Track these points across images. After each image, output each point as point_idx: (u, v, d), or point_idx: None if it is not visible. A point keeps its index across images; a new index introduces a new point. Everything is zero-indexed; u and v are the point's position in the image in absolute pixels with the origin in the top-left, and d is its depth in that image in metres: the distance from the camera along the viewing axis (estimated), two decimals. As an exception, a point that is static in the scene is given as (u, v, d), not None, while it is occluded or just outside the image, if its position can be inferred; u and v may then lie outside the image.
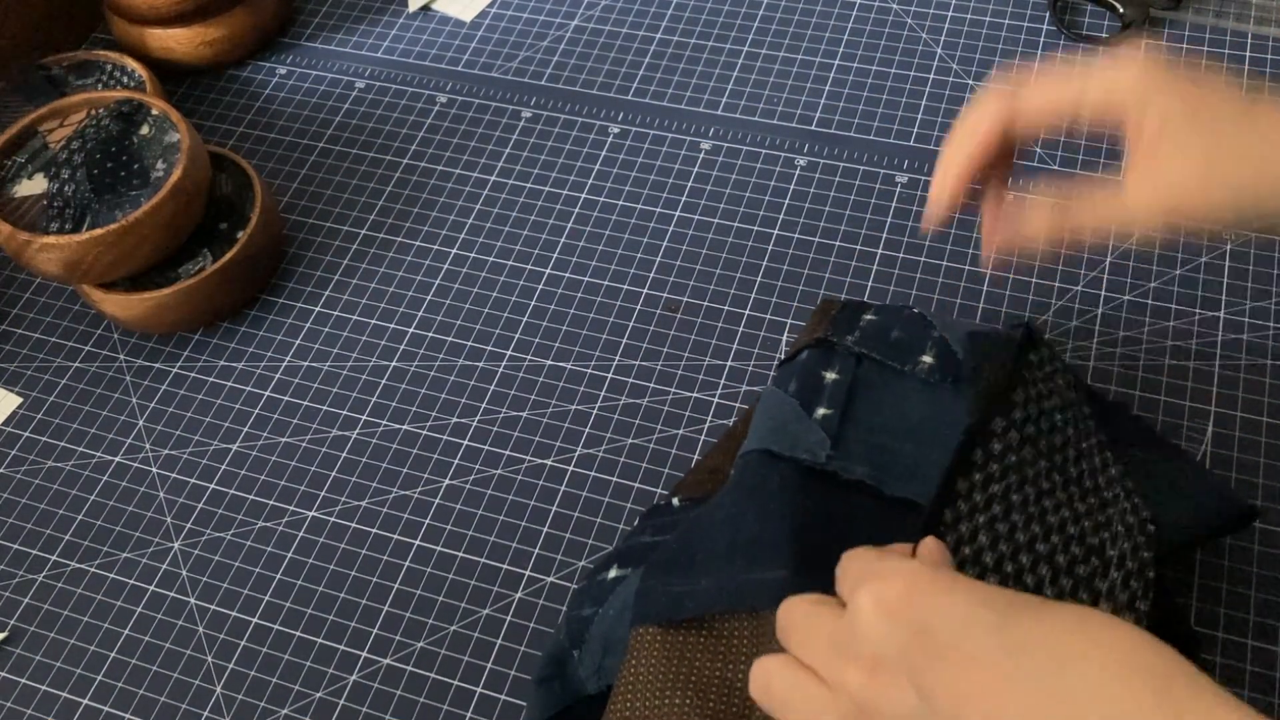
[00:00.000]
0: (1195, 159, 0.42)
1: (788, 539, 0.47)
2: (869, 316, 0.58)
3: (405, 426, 0.67)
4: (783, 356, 0.66)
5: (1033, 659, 0.32)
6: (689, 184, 0.76)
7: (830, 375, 0.55)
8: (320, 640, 0.60)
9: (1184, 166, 0.42)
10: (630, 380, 0.68)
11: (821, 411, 0.53)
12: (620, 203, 0.76)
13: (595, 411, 0.67)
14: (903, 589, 0.35)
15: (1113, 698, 0.31)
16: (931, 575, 0.36)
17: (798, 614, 0.39)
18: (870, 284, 0.70)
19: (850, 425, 0.52)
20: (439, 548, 0.63)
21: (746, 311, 0.70)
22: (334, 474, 0.66)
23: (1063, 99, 0.44)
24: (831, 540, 0.48)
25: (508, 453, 0.66)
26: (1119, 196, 0.43)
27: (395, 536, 0.63)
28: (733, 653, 0.47)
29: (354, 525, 0.64)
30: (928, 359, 0.54)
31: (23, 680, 0.61)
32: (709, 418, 0.66)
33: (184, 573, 0.63)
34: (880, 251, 0.71)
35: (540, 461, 0.65)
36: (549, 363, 0.69)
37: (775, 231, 0.73)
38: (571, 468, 0.64)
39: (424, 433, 0.67)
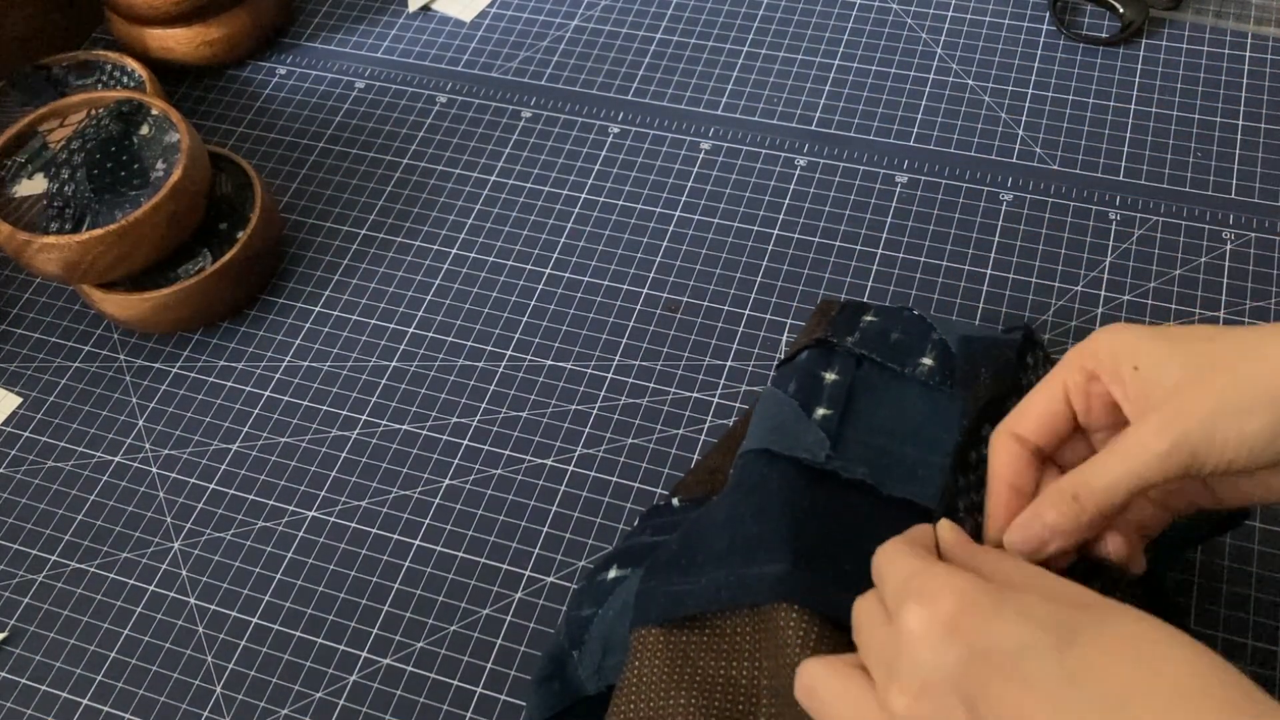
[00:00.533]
0: (1178, 364, 0.39)
1: (787, 535, 0.47)
2: (869, 318, 0.58)
3: (405, 426, 0.67)
4: (782, 357, 0.66)
5: (1094, 688, 0.31)
6: (689, 184, 0.76)
7: (830, 376, 0.55)
8: (320, 640, 0.60)
9: (1168, 374, 0.39)
10: (630, 380, 0.68)
11: (821, 412, 0.53)
12: (620, 203, 0.76)
13: (595, 411, 0.67)
14: (953, 609, 0.34)
15: None
16: (982, 593, 0.34)
17: (861, 616, 0.39)
18: (870, 284, 0.70)
19: (849, 426, 0.52)
20: (439, 548, 0.63)
21: (746, 311, 0.70)
22: (334, 474, 0.66)
23: (1046, 387, 0.43)
24: (831, 537, 0.48)
25: (508, 453, 0.66)
26: (1118, 442, 0.40)
27: (395, 536, 0.63)
28: (735, 651, 0.47)
29: (354, 525, 0.64)
30: (928, 361, 0.54)
31: (23, 680, 0.61)
32: (709, 418, 0.66)
33: (184, 573, 0.63)
34: (880, 251, 0.71)
35: (540, 461, 0.65)
36: (549, 363, 0.69)
37: (775, 231, 0.73)
38: (571, 468, 0.64)
39: (424, 433, 0.67)
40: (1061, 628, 0.33)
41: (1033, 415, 0.43)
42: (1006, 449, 0.43)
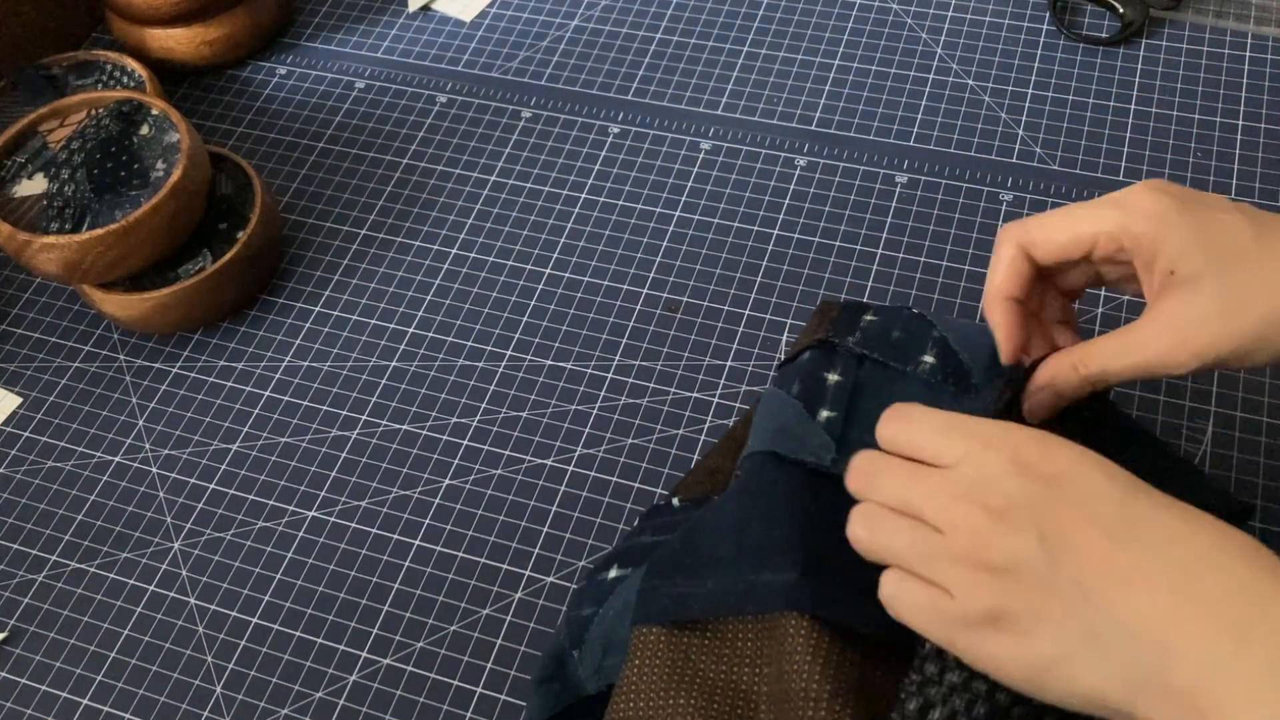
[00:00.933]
0: (1211, 296, 0.42)
1: (795, 543, 0.47)
2: (869, 317, 0.58)
3: (405, 426, 0.67)
4: (783, 358, 0.66)
5: (1144, 528, 0.36)
6: (689, 184, 0.76)
7: (832, 377, 0.55)
8: (320, 640, 0.60)
9: (1202, 305, 0.42)
10: (630, 380, 0.68)
11: (825, 414, 0.53)
12: (620, 203, 0.76)
13: (595, 411, 0.67)
14: (1039, 448, 0.38)
15: (1224, 567, 0.34)
16: (1060, 441, 0.38)
17: (890, 468, 0.41)
18: (870, 284, 0.70)
19: (853, 427, 0.52)
20: (439, 548, 0.63)
21: (746, 311, 0.70)
22: (334, 474, 0.66)
23: (1075, 227, 0.45)
24: (838, 543, 0.48)
25: (508, 453, 0.66)
26: (1141, 344, 0.44)
27: (395, 536, 0.63)
28: (737, 656, 0.47)
29: (354, 525, 0.64)
30: (929, 359, 0.54)
31: (23, 680, 0.61)
32: (709, 418, 0.66)
33: (184, 573, 0.63)
34: (880, 251, 0.71)
35: (540, 461, 0.65)
36: (549, 363, 0.69)
37: (775, 231, 0.73)
38: (571, 468, 0.64)
39: (424, 433, 0.67)
40: (1128, 483, 0.37)
41: (1051, 247, 0.45)
42: (1013, 262, 0.46)
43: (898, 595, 0.41)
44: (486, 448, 0.66)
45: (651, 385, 0.67)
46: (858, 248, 0.72)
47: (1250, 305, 0.41)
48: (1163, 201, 0.43)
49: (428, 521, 0.64)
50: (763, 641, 0.47)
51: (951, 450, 0.40)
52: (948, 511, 0.39)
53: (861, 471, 0.43)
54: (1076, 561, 0.36)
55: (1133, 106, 0.76)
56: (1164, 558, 0.35)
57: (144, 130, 0.71)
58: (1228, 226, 0.42)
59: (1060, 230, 0.45)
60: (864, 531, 0.42)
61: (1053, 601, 0.36)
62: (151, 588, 0.63)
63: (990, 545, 0.37)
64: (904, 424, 0.42)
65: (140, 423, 0.69)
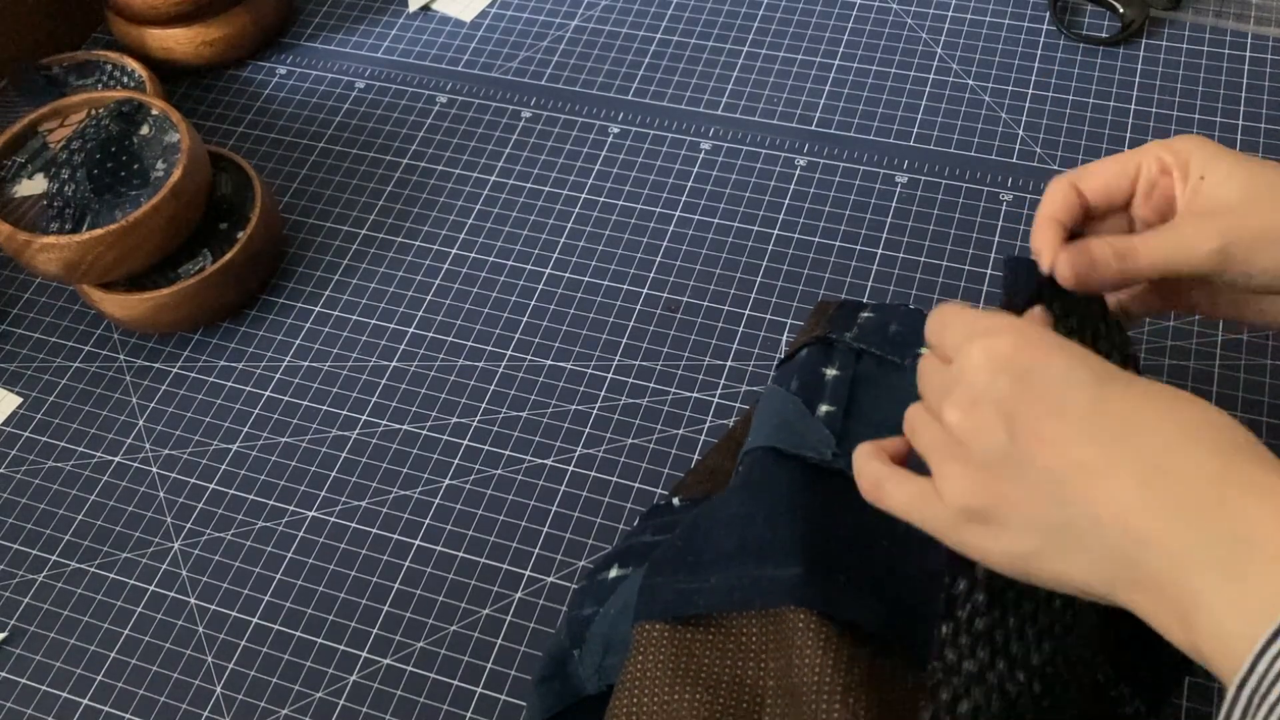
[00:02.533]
0: (1241, 183, 0.44)
1: (798, 539, 0.47)
2: (866, 314, 0.58)
3: (405, 426, 0.67)
4: (781, 357, 0.66)
5: (1116, 419, 0.36)
6: (689, 184, 0.76)
7: (831, 372, 0.55)
8: (320, 640, 0.60)
9: (1228, 193, 0.44)
10: (630, 380, 0.68)
11: (824, 408, 0.53)
12: (620, 203, 0.76)
13: (595, 411, 0.67)
14: (1012, 343, 0.38)
15: (1179, 455, 0.35)
16: (1040, 334, 0.39)
17: (924, 366, 0.42)
18: (870, 284, 0.70)
19: (853, 421, 0.52)
20: (439, 548, 0.63)
21: (746, 311, 0.70)
22: (334, 474, 0.66)
23: (1121, 159, 0.47)
24: (840, 537, 0.48)
25: (508, 453, 0.66)
26: (1171, 229, 0.45)
27: (395, 536, 0.63)
28: (742, 650, 0.47)
29: (354, 525, 0.64)
30: (926, 351, 0.54)
31: (23, 680, 0.61)
32: (709, 418, 0.66)
33: (184, 573, 0.63)
34: (880, 251, 0.71)
35: (540, 461, 0.65)
36: (549, 363, 0.69)
37: (775, 231, 0.73)
38: (571, 468, 0.64)
39: (424, 433, 0.67)
40: (1102, 372, 0.38)
41: (1100, 177, 0.47)
42: (1064, 193, 0.47)
43: (879, 491, 0.42)
44: (486, 448, 0.66)
45: (651, 385, 0.67)
46: (858, 248, 0.72)
47: (1274, 200, 0.43)
48: (1199, 138, 0.46)
49: (428, 521, 0.64)
50: (767, 636, 0.47)
51: (952, 344, 0.41)
52: (938, 408, 0.40)
53: (920, 370, 0.44)
54: (1046, 454, 0.36)
55: (1133, 106, 0.76)
56: (1133, 449, 0.35)
57: (144, 130, 0.71)
58: (1256, 160, 0.45)
59: (1107, 164, 0.47)
60: (906, 426, 0.43)
61: (1027, 495, 0.37)
62: (151, 588, 0.63)
63: (964, 442, 0.38)
64: (933, 322, 0.43)
65: (140, 423, 0.69)
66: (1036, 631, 0.42)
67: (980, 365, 0.38)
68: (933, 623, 0.44)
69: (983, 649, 0.41)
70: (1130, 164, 0.47)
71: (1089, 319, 0.48)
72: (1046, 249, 0.46)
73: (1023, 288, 0.47)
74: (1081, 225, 0.48)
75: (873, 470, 0.42)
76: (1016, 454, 0.37)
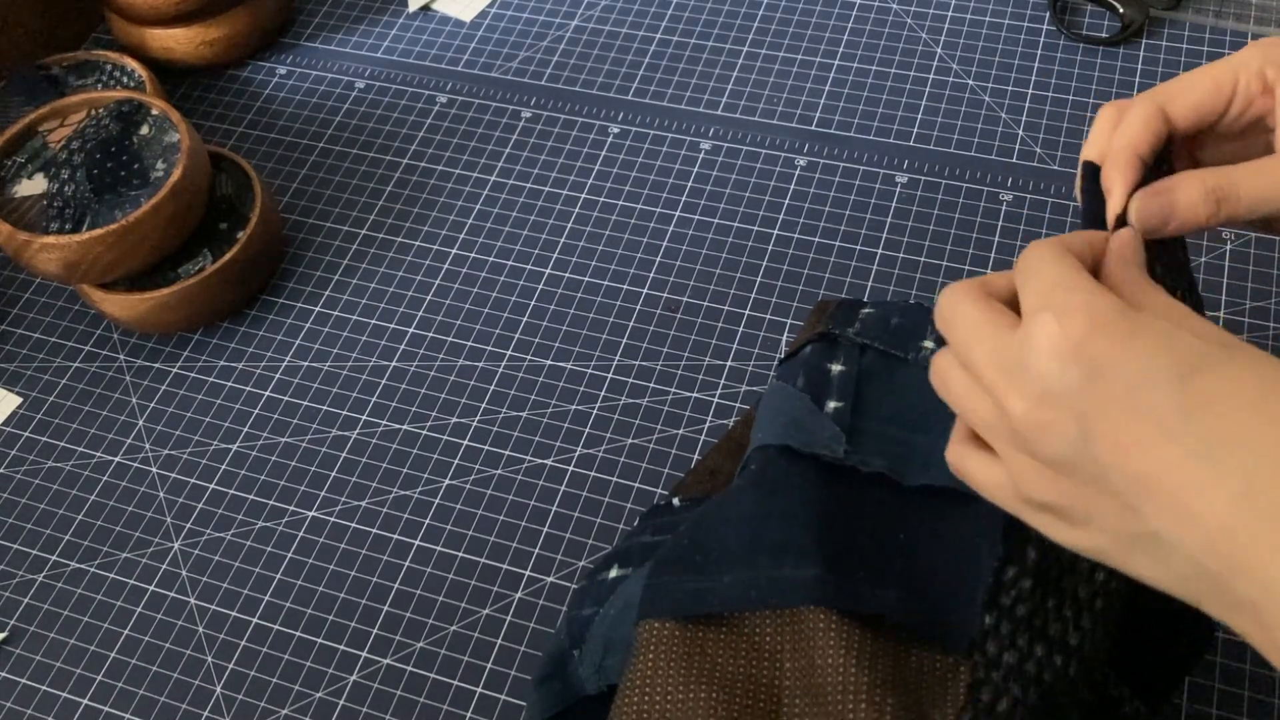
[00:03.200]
0: None
1: (814, 538, 0.47)
2: (867, 310, 0.58)
3: (405, 426, 0.67)
4: (783, 355, 0.66)
5: (1205, 424, 0.31)
6: (689, 184, 0.76)
7: (836, 367, 0.54)
8: (320, 640, 0.60)
9: None
10: (630, 380, 0.68)
11: (832, 405, 0.53)
12: (620, 203, 0.76)
13: (595, 411, 0.67)
14: (1084, 330, 0.34)
15: (1277, 466, 0.30)
16: (1115, 318, 0.34)
17: (961, 314, 0.38)
18: (870, 284, 0.70)
19: (862, 417, 0.52)
20: (439, 548, 0.63)
21: (746, 311, 0.70)
22: (334, 474, 0.66)
23: (1211, 73, 0.41)
24: (857, 536, 0.47)
25: (508, 453, 0.66)
26: (1273, 163, 0.39)
27: (395, 536, 0.63)
28: (755, 649, 0.47)
29: (354, 525, 0.64)
30: (929, 344, 0.54)
31: (23, 680, 0.61)
32: (709, 418, 0.66)
33: (184, 573, 0.63)
34: (880, 251, 0.71)
35: (540, 461, 0.65)
36: (549, 363, 0.69)
37: (775, 231, 0.73)
38: (571, 468, 0.64)
39: (424, 433, 0.67)
40: (1185, 362, 0.33)
41: (1190, 99, 0.41)
42: (1148, 121, 0.40)
43: (963, 468, 0.39)
44: (486, 448, 0.66)
45: (651, 385, 0.67)
46: (858, 248, 0.72)
47: None
48: None
49: (428, 521, 0.64)
50: (783, 636, 0.46)
51: (1029, 302, 0.36)
52: (997, 389, 0.36)
53: (941, 307, 0.39)
54: (1123, 462, 0.32)
55: (1133, 106, 0.76)
56: (1224, 461, 0.31)
57: (144, 130, 0.71)
58: None
59: (1197, 79, 0.41)
60: (937, 380, 0.39)
61: (1104, 502, 0.34)
62: (151, 588, 0.63)
63: (1034, 439, 0.35)
64: (1025, 260, 0.37)
65: (140, 423, 0.70)
66: (1076, 608, 0.42)
67: (1047, 353, 0.34)
68: (955, 609, 0.43)
69: (1022, 636, 0.41)
70: (1225, 78, 0.40)
71: (1172, 260, 0.42)
72: (1119, 187, 0.40)
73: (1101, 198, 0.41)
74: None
75: (957, 452, 0.39)
76: (1091, 457, 0.33)
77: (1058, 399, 0.34)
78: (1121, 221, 0.40)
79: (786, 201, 0.74)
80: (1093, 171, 0.42)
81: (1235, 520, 0.30)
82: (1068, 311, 0.34)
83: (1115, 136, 0.41)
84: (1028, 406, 0.34)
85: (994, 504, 0.39)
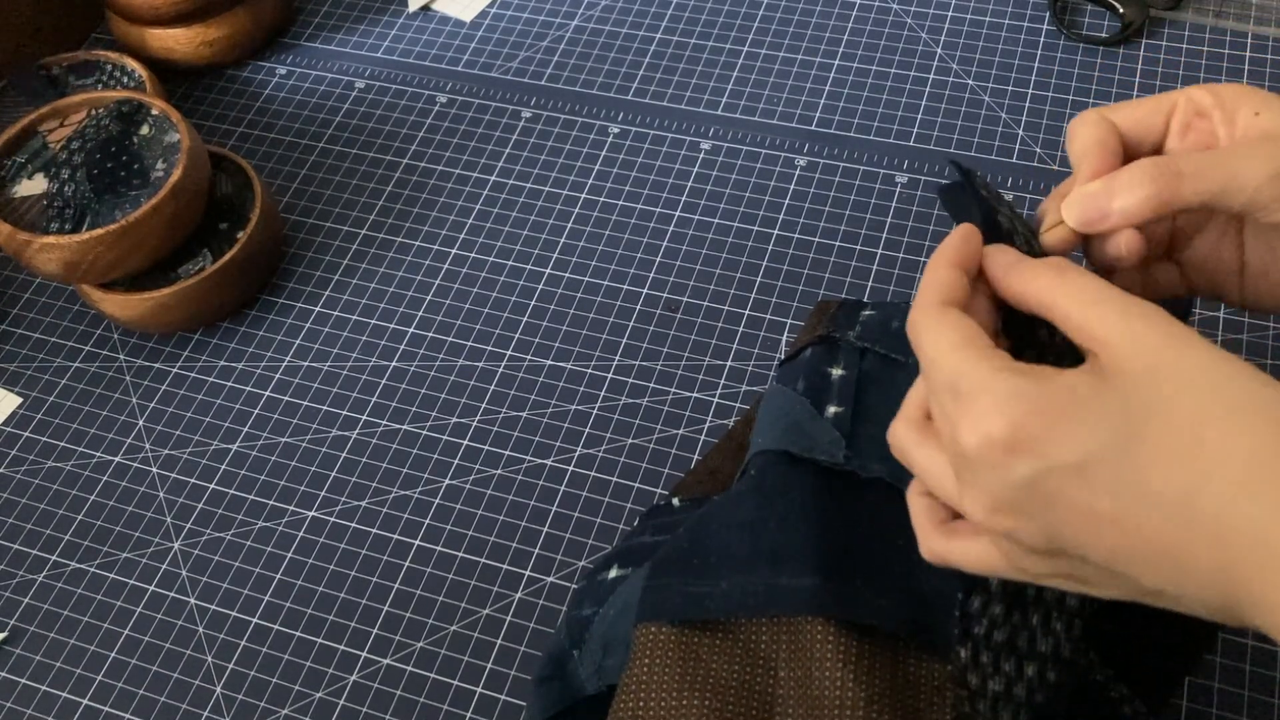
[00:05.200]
0: None
1: (814, 546, 0.47)
2: (868, 312, 0.58)
3: (405, 426, 0.67)
4: (783, 357, 0.66)
5: (1162, 486, 0.31)
6: (689, 184, 0.76)
7: (836, 371, 0.54)
8: (320, 640, 0.60)
9: None
10: (630, 380, 0.68)
11: (833, 409, 0.53)
12: (620, 203, 0.76)
13: (595, 411, 0.67)
14: (1007, 430, 0.33)
15: (1244, 504, 0.30)
16: (1033, 405, 0.33)
17: (899, 444, 0.38)
18: (870, 284, 0.70)
19: (861, 422, 0.52)
20: (439, 548, 0.63)
21: (746, 311, 0.70)
22: (334, 474, 0.66)
23: (1154, 99, 0.42)
24: (855, 541, 0.47)
25: (508, 453, 0.66)
26: (1224, 153, 0.39)
27: (395, 536, 0.63)
28: (750, 657, 0.47)
29: (354, 525, 0.64)
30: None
31: (23, 680, 0.61)
32: (709, 418, 0.66)
33: (184, 573, 0.63)
34: (880, 251, 0.71)
35: (540, 461, 0.65)
36: (549, 363, 0.69)
37: (775, 231, 0.73)
38: (571, 468, 0.64)
39: (424, 433, 0.67)
40: (1121, 428, 0.32)
41: (1131, 113, 0.42)
42: (1098, 124, 0.41)
43: (949, 559, 0.38)
44: (486, 448, 0.66)
45: (651, 385, 0.67)
46: (858, 248, 0.72)
47: None
48: (1241, 85, 0.41)
49: (428, 521, 0.64)
50: (779, 644, 0.46)
51: (936, 412, 0.36)
52: (962, 500, 0.35)
53: (892, 444, 0.40)
54: (1101, 545, 0.32)
55: (1133, 106, 0.76)
56: (1194, 512, 0.31)
57: (144, 130, 0.71)
58: None
59: (1138, 102, 0.42)
60: (903, 456, 0.39)
61: (1099, 575, 0.34)
62: (151, 588, 0.63)
63: (1008, 537, 0.35)
64: (917, 345, 0.37)
65: (140, 423, 0.70)
66: (1066, 616, 0.41)
67: (982, 457, 0.33)
68: (950, 614, 0.43)
69: (1007, 661, 0.41)
70: (1164, 103, 0.42)
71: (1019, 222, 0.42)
72: (1098, 173, 0.40)
73: (970, 212, 0.41)
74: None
75: (931, 542, 0.39)
76: (1068, 544, 0.33)
77: (1010, 502, 0.33)
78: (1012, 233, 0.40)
79: (786, 201, 0.74)
80: (951, 191, 0.42)
81: (1223, 566, 0.31)
82: (980, 415, 0.33)
83: (1073, 148, 0.42)
84: (986, 514, 0.34)
85: None
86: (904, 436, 0.39)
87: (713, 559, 0.49)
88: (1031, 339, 0.38)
